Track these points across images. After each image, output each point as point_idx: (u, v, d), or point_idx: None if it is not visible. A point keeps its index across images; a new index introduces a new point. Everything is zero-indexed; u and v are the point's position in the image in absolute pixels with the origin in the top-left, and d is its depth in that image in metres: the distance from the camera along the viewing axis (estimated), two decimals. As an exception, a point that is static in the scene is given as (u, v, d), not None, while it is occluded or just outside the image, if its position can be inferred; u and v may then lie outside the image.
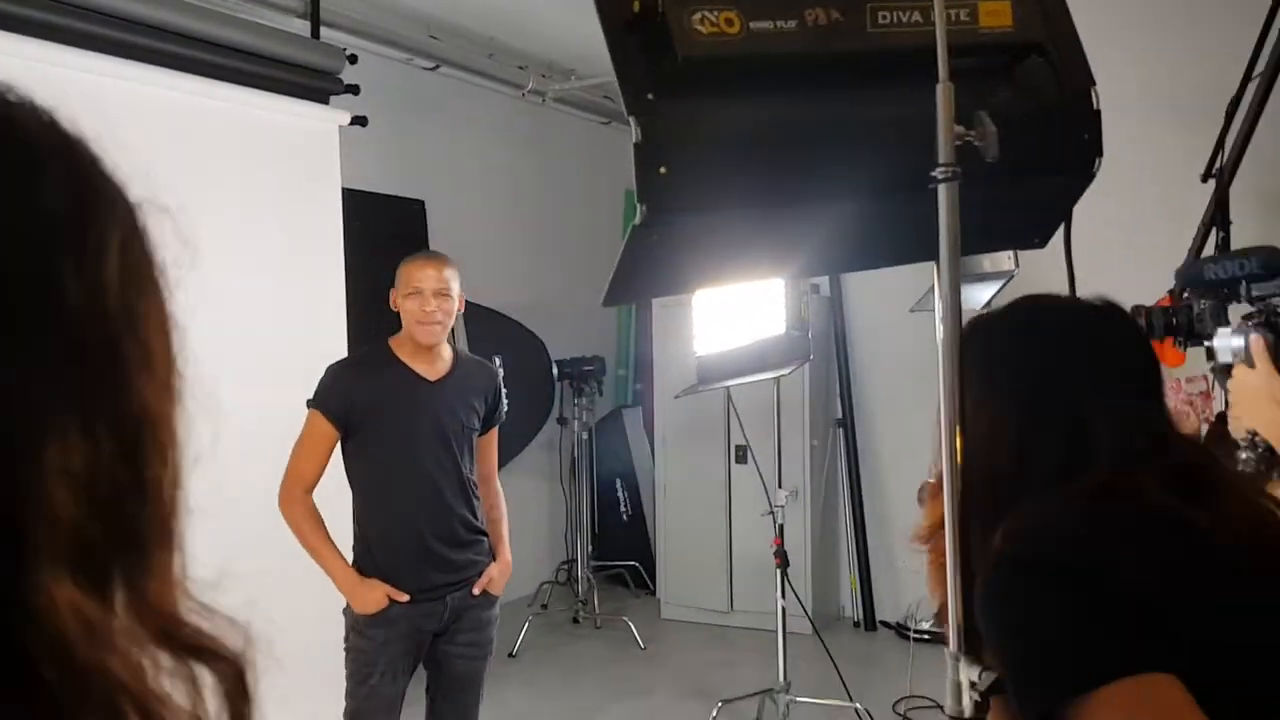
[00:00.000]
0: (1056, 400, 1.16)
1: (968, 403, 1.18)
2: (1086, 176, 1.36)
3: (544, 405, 5.98)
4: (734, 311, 4.60)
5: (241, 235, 3.86)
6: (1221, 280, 1.73)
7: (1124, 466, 1.10)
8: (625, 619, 5.68)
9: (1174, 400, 2.59)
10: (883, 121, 1.23)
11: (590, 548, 6.24)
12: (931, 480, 1.28)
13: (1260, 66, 3.66)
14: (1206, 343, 1.81)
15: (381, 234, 5.45)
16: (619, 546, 6.70)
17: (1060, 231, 1.53)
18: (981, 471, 1.16)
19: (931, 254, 1.22)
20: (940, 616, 1.22)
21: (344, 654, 2.87)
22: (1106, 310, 1.25)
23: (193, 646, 0.50)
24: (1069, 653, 0.99)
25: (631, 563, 6.63)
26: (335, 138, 4.36)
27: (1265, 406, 1.74)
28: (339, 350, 4.24)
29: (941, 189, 1.12)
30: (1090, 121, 1.34)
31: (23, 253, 0.46)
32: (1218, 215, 3.91)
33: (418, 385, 2.88)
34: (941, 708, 3.66)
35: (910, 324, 4.72)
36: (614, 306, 5.98)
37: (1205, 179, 3.97)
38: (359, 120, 4.47)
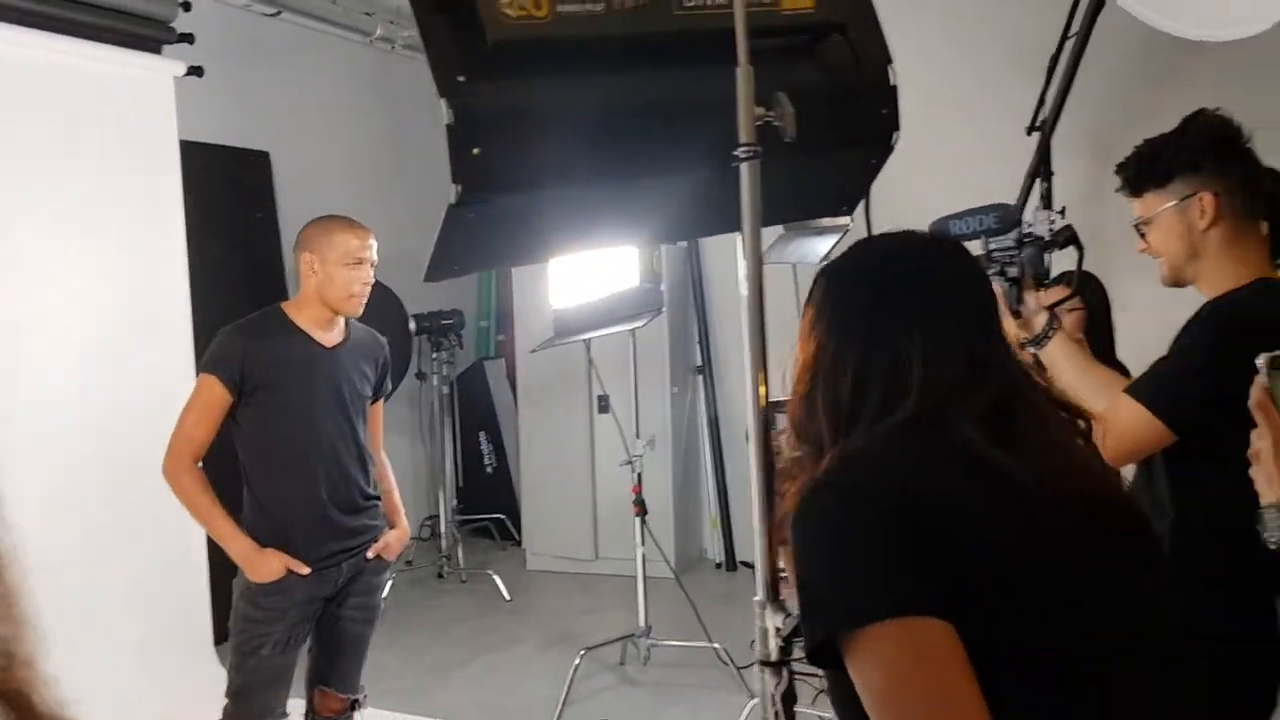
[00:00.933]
0: (883, 334, 1.18)
1: (815, 341, 1.22)
2: (886, 148, 1.45)
3: (401, 361, 5.93)
4: (589, 265, 4.64)
5: (71, 196, 3.71)
6: (964, 234, 1.89)
7: (935, 401, 1.12)
8: (490, 572, 5.73)
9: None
10: (691, 101, 1.28)
11: (455, 502, 6.25)
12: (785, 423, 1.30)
13: (1076, 25, 3.85)
14: None
15: (225, 187, 5.30)
16: (484, 499, 6.73)
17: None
18: (826, 406, 1.19)
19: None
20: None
21: (231, 626, 2.81)
22: (935, 243, 1.28)
23: None
24: (852, 586, 1.02)
25: (497, 515, 6.67)
26: (170, 89, 4.21)
27: None
28: (181, 311, 4.13)
29: (743, 167, 1.18)
30: (888, 97, 1.41)
31: None
32: (1041, 166, 4.12)
33: (316, 352, 2.83)
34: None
35: (767, 271, 4.84)
36: (436, 282, 5.96)
37: (1030, 131, 4.18)
38: (195, 70, 4.31)
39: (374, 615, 3.00)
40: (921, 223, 2.70)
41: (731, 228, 1.41)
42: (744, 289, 1.24)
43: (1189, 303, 2.19)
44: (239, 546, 2.74)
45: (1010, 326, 1.96)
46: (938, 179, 3.76)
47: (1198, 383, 1.75)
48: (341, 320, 2.91)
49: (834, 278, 1.27)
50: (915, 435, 1.11)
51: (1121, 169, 1.97)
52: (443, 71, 1.10)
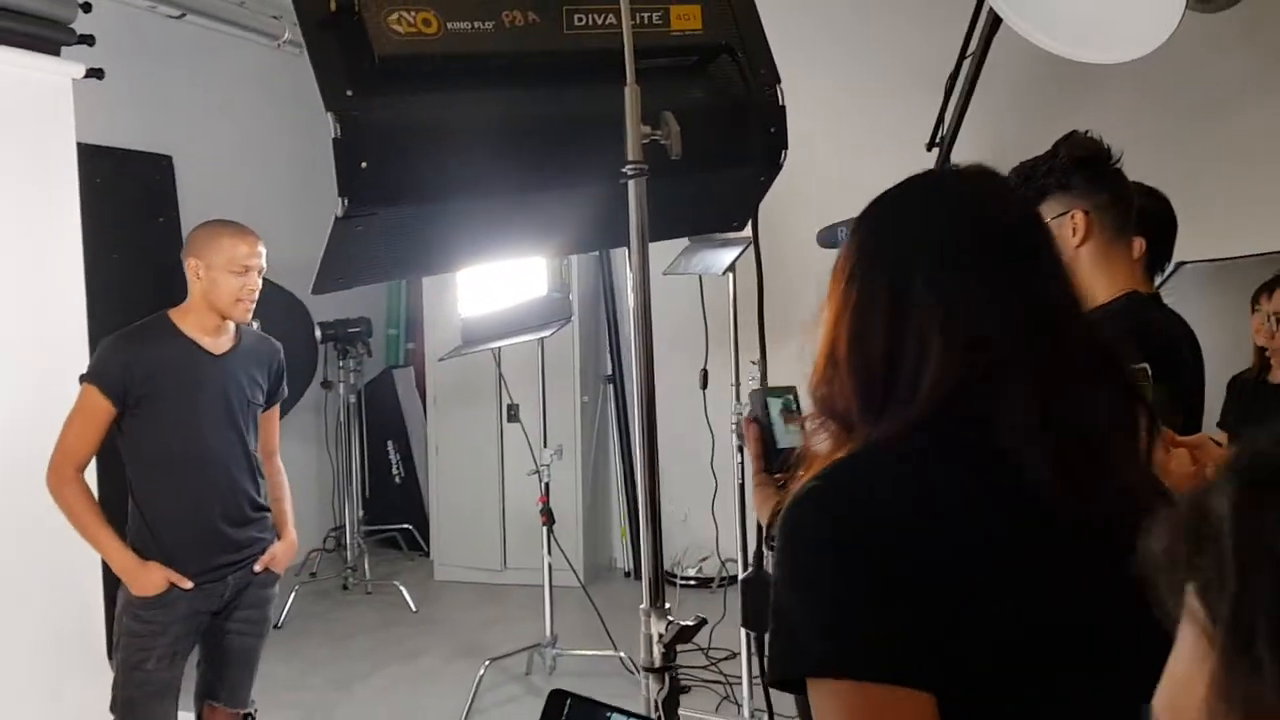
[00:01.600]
0: (909, 292, 0.99)
1: (837, 301, 1.05)
2: (775, 166, 1.49)
3: (307, 369, 5.84)
4: (498, 273, 4.64)
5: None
6: None
7: (956, 377, 0.95)
8: (397, 583, 5.67)
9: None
10: (580, 118, 1.30)
11: (361, 512, 6.17)
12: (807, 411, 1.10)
13: (974, 44, 3.98)
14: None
15: (126, 191, 5.17)
16: (392, 509, 6.65)
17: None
18: (854, 378, 1.01)
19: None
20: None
21: (115, 640, 2.75)
22: (969, 174, 1.08)
23: None
24: (823, 627, 0.88)
25: (405, 525, 6.60)
26: (69, 92, 4.10)
27: None
28: (76, 317, 4.02)
29: (631, 185, 1.21)
30: (776, 116, 1.46)
31: None
32: (941, 182, 4.24)
33: (202, 359, 2.77)
34: (699, 649, 3.88)
35: (674, 282, 4.90)
36: (324, 294, 5.85)
37: (930, 148, 4.30)
38: (95, 72, 4.21)
39: (264, 628, 2.96)
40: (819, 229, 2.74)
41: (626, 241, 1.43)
42: (631, 302, 1.26)
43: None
44: (121, 560, 2.69)
45: None
46: (838, 193, 3.85)
47: None
48: (231, 326, 2.86)
49: (860, 224, 1.07)
50: (938, 431, 0.95)
51: None
52: (330, 86, 1.11)
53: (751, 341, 4.12)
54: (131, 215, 5.22)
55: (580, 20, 1.26)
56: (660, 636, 1.18)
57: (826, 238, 1.95)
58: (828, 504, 0.91)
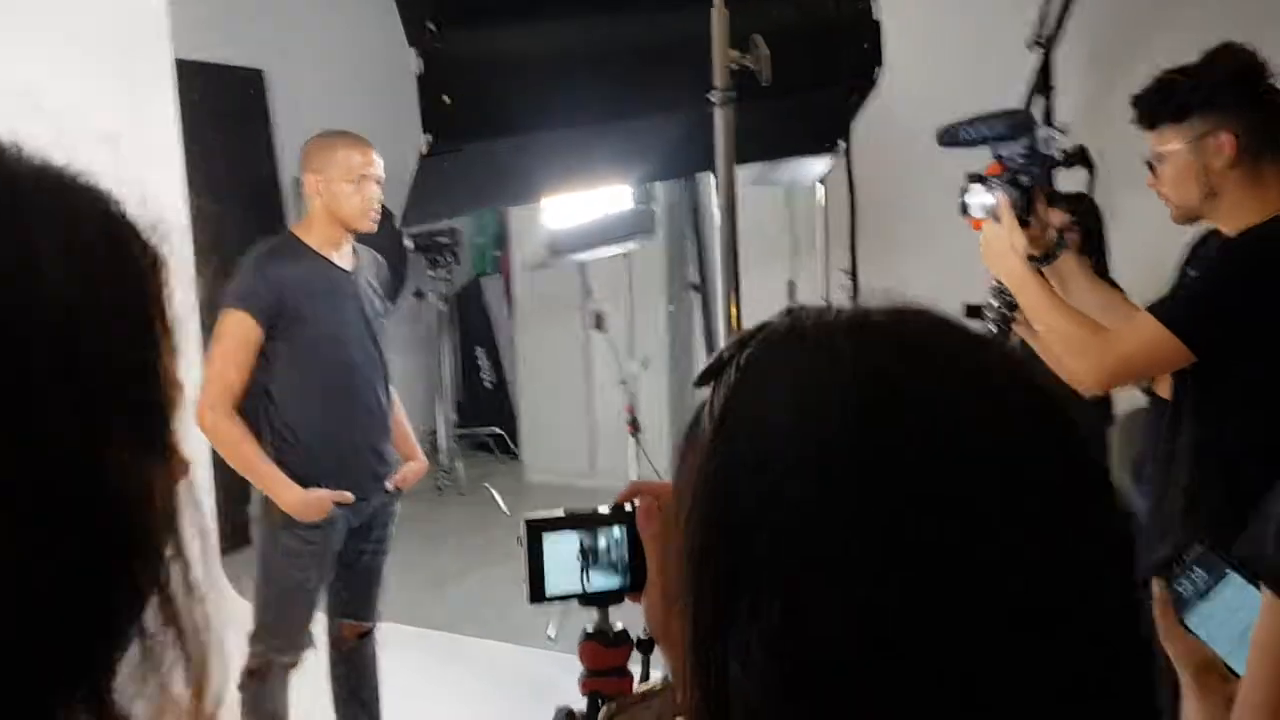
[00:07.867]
0: None
1: None
2: (869, 84, 1.43)
3: (397, 278, 5.93)
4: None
5: (62, 119, 3.67)
6: (972, 140, 1.86)
7: None
8: (489, 485, 5.81)
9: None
10: (666, 43, 1.27)
11: (453, 416, 6.31)
12: None
13: (1082, -63, 3.76)
14: (961, 199, 1.98)
15: (219, 107, 5.23)
16: (482, 414, 6.79)
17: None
18: None
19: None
20: None
21: (262, 559, 2.73)
22: None
23: None
24: None
25: (496, 429, 6.74)
26: (163, 10, 4.13)
27: (1008, 257, 1.94)
28: (181, 238, 4.12)
29: (717, 112, 1.18)
30: (870, 32, 1.40)
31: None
32: (1042, 82, 4.06)
33: (338, 276, 2.73)
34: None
35: (760, 190, 4.81)
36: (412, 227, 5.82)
37: (1032, 46, 4.10)
38: (186, -13, 4.24)
39: (390, 545, 3.00)
40: (918, 137, 2.64)
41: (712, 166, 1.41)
42: (719, 237, 1.24)
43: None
44: (287, 493, 2.64)
45: (1019, 240, 1.94)
46: (934, 94, 3.71)
47: (1219, 304, 1.76)
48: (350, 241, 2.79)
49: None
50: None
51: (1137, 101, 1.90)
52: (412, 20, 1.09)
53: (842, 254, 4.04)
54: (225, 132, 5.29)
55: (665, -60, 1.22)
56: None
57: (947, 134, 1.86)
58: None
